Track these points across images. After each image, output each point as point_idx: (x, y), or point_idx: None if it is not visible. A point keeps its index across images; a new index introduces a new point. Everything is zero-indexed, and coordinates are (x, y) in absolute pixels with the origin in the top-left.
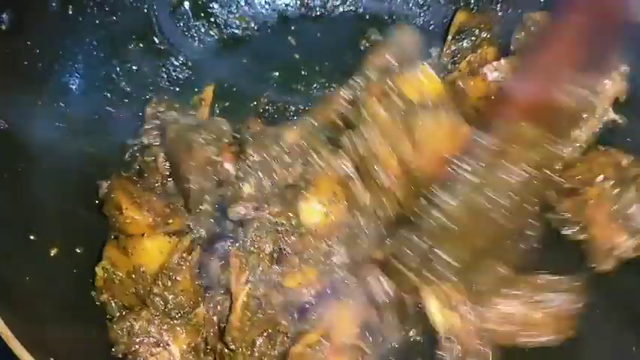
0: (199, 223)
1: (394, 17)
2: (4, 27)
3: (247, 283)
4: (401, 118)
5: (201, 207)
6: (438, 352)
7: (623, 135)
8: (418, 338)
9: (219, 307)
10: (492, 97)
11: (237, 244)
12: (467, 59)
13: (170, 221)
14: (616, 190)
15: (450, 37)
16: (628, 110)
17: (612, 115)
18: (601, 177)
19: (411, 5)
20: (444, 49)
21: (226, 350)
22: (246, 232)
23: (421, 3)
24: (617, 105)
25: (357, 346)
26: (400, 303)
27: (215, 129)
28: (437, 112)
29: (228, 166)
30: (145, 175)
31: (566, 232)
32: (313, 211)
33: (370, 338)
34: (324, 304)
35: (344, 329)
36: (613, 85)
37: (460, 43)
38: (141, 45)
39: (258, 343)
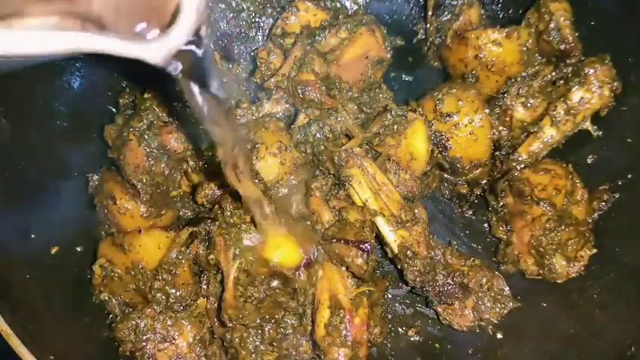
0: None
1: (395, 17)
2: None
3: (235, 258)
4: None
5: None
6: (405, 274)
7: (592, 148)
8: (418, 338)
9: (211, 288)
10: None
11: (216, 223)
12: (453, 29)
13: (163, 212)
14: (550, 225)
15: (430, 14)
16: (602, 127)
17: (589, 125)
18: (548, 207)
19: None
20: (428, 27)
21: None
22: (224, 209)
23: None
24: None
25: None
26: None
27: (150, 114)
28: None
29: (174, 144)
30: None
31: (492, 223)
32: (270, 165)
33: None
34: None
35: (340, 287)
36: (600, 97)
37: (441, 17)
38: None
39: (267, 328)
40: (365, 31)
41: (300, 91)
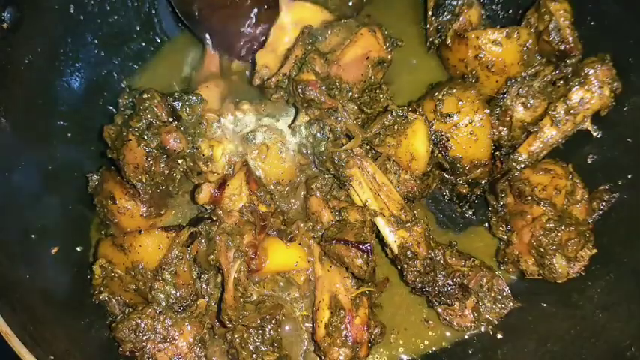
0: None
1: None
2: (5, 25)
3: (235, 259)
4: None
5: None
6: (405, 274)
7: (593, 148)
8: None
9: (210, 289)
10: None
11: (217, 223)
12: (453, 29)
13: (163, 212)
14: (550, 225)
15: (430, 14)
16: (602, 127)
17: (589, 125)
18: (548, 207)
19: None
20: (429, 27)
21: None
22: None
23: None
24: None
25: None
26: None
27: (149, 114)
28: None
29: (173, 144)
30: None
31: (492, 223)
32: (270, 166)
33: None
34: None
35: (340, 287)
36: (600, 97)
37: (441, 17)
38: (142, 44)
39: (267, 329)
40: (366, 31)
41: (300, 90)
